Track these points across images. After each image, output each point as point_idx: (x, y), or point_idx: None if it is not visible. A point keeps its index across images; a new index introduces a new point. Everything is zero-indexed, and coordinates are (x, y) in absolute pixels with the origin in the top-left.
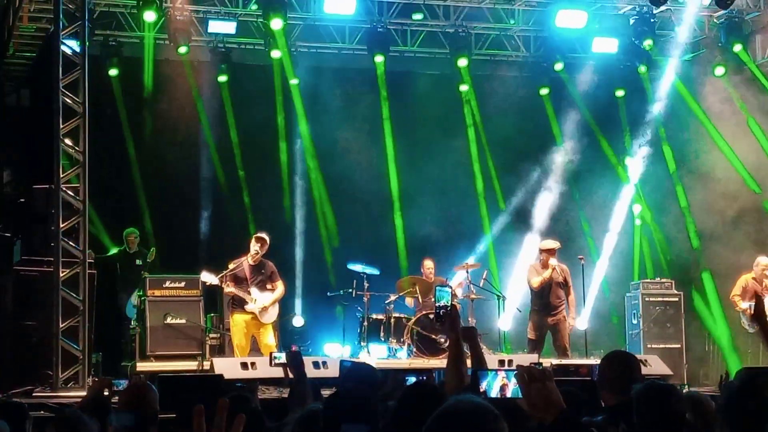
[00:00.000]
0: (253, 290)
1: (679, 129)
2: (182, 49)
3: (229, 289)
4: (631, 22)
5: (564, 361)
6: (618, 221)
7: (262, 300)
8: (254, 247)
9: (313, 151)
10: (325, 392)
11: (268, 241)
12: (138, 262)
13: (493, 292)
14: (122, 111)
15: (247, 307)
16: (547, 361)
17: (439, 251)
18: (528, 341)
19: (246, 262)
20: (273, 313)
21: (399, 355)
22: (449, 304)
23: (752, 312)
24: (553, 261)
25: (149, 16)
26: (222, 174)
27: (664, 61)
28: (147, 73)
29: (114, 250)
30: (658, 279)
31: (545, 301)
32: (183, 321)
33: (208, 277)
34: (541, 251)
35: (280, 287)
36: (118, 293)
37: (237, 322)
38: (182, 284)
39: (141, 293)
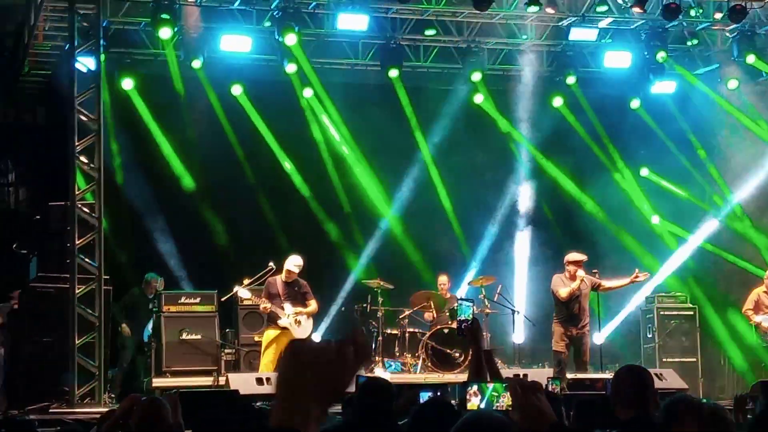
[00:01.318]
0: (287, 305)
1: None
2: (196, 64)
3: (265, 305)
4: (642, 35)
5: (580, 375)
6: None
7: (294, 314)
8: (292, 270)
9: (331, 164)
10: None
11: (302, 266)
12: (152, 306)
13: (507, 307)
14: (139, 125)
15: (280, 322)
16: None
17: (455, 266)
18: (553, 353)
19: (279, 279)
20: (306, 329)
21: (414, 370)
22: (471, 318)
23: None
24: (580, 272)
25: (164, 33)
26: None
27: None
28: (176, 82)
29: (135, 290)
30: (673, 292)
31: (571, 312)
32: (198, 336)
33: (243, 293)
34: (569, 263)
35: (313, 304)
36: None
37: (268, 337)
38: (197, 300)
39: (156, 309)
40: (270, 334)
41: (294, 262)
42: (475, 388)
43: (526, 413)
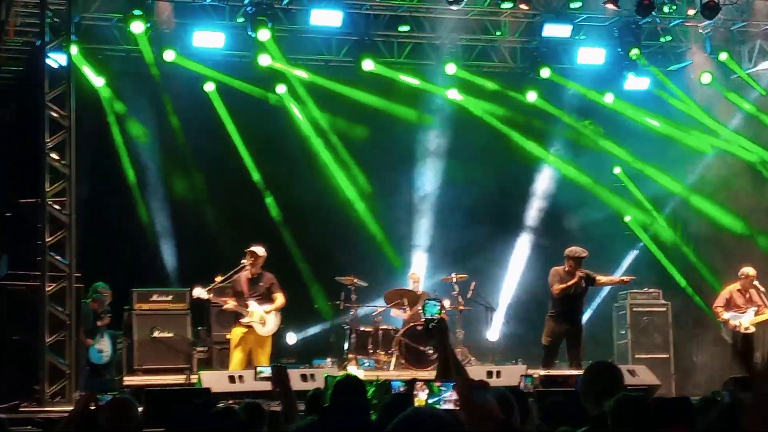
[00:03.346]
0: (252, 303)
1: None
2: (169, 56)
3: (228, 305)
4: (616, 32)
5: (552, 372)
6: None
7: (260, 312)
8: (248, 260)
9: (300, 162)
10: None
11: (259, 254)
12: (101, 324)
13: (481, 304)
14: (111, 123)
15: (243, 321)
16: (535, 372)
17: (428, 263)
18: (542, 347)
19: (244, 276)
20: (271, 326)
21: (387, 367)
22: (438, 317)
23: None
24: (579, 272)
25: (137, 27)
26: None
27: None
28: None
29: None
30: (646, 289)
31: (564, 309)
32: (170, 334)
33: (201, 293)
34: (568, 258)
35: (280, 298)
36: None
37: (235, 335)
38: (169, 297)
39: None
40: (237, 331)
41: (247, 258)
42: (421, 382)
43: (473, 413)
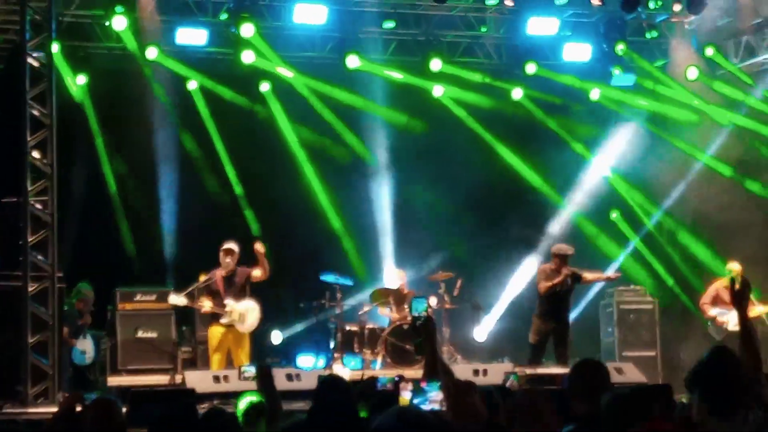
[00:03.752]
0: (229, 301)
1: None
2: (152, 53)
3: (205, 308)
4: (601, 28)
5: (539, 370)
6: None
7: (239, 309)
8: (224, 259)
9: (285, 160)
10: (299, 404)
11: (237, 250)
12: (81, 323)
13: (467, 302)
14: (92, 122)
15: (223, 321)
16: (522, 370)
17: (413, 261)
18: (529, 345)
19: (219, 275)
20: (251, 322)
21: (373, 366)
22: (425, 315)
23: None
24: (565, 269)
25: (119, 22)
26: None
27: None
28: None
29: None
30: (632, 286)
31: (551, 307)
32: (154, 335)
33: (176, 300)
34: (555, 255)
35: (257, 271)
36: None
37: (213, 334)
38: (153, 297)
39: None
40: (215, 331)
41: (225, 256)
42: (406, 381)
43: (459, 413)
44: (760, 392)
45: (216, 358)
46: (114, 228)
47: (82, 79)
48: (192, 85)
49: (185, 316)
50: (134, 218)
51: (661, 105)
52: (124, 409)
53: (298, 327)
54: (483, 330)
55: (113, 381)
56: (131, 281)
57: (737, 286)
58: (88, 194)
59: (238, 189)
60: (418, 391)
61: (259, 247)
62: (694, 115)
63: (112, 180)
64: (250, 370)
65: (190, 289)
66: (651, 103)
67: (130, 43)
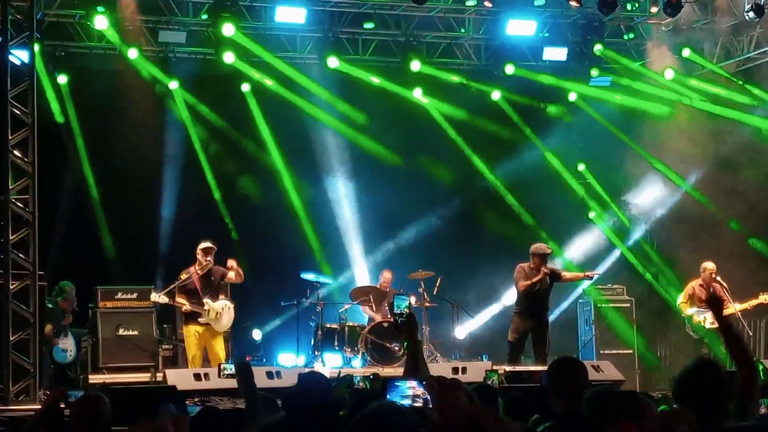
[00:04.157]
0: (207, 302)
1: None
2: (133, 53)
3: (186, 307)
4: (579, 29)
5: (517, 368)
6: None
7: (217, 308)
8: (204, 258)
9: (267, 159)
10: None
11: (215, 249)
12: (65, 323)
13: (446, 300)
14: (72, 121)
15: (201, 320)
16: (500, 368)
17: (396, 261)
18: (508, 343)
19: (195, 274)
20: (227, 321)
21: (353, 364)
22: (407, 312)
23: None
24: (544, 268)
25: (100, 22)
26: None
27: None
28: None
29: (49, 305)
30: (610, 285)
31: (529, 305)
32: (135, 332)
33: (158, 298)
34: (534, 255)
35: (232, 274)
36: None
37: (190, 333)
38: (134, 296)
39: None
40: (192, 330)
41: (205, 255)
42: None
43: (444, 411)
44: (748, 404)
45: (193, 357)
46: (96, 227)
47: (62, 78)
48: (173, 85)
49: (166, 314)
50: (116, 217)
51: (636, 101)
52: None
53: (279, 325)
54: (465, 329)
55: (94, 379)
56: (113, 280)
57: (710, 295)
58: (70, 193)
59: (216, 192)
60: (391, 387)
61: (233, 263)
62: (669, 109)
63: (92, 179)
64: (231, 368)
65: (171, 287)
66: (627, 99)
67: (114, 39)
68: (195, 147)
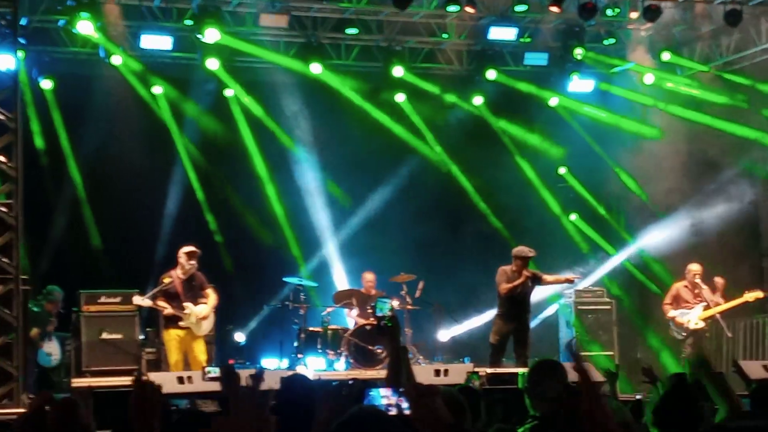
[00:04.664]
0: (188, 305)
1: None
2: (117, 60)
3: (168, 311)
4: (560, 35)
5: (498, 370)
6: None
7: (197, 312)
8: (188, 262)
9: (248, 163)
10: None
11: (199, 253)
12: (51, 318)
13: (428, 303)
14: (58, 126)
15: (182, 323)
16: (482, 370)
17: (379, 264)
18: (490, 345)
19: (177, 278)
20: (207, 326)
21: (336, 367)
22: (390, 316)
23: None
24: (526, 271)
25: (84, 27)
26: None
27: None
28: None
29: (35, 309)
30: (591, 287)
31: (511, 308)
32: (119, 336)
33: (141, 301)
34: (516, 258)
35: (212, 295)
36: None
37: (171, 337)
38: (118, 299)
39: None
40: (173, 334)
41: (189, 259)
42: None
43: (422, 418)
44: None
45: (176, 361)
46: (84, 231)
47: (47, 83)
48: (157, 89)
49: (149, 317)
50: (100, 221)
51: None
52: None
53: (262, 328)
54: (447, 332)
55: (77, 382)
56: (99, 284)
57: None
58: (56, 197)
59: (200, 193)
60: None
61: (210, 292)
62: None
63: (80, 183)
64: (215, 371)
65: (154, 291)
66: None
67: (102, 42)
68: (179, 151)
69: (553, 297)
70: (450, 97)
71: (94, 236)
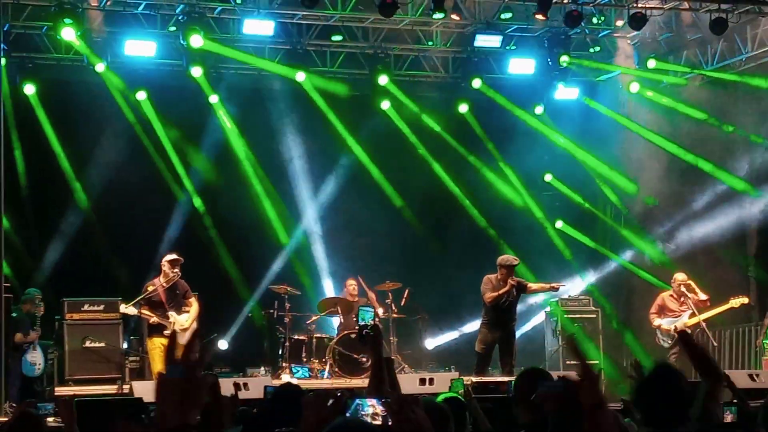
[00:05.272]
0: (172, 314)
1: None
2: (100, 67)
3: (154, 319)
4: (546, 43)
5: (484, 379)
6: None
7: (181, 321)
8: (172, 270)
9: (233, 172)
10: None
11: (182, 261)
12: (35, 325)
13: (415, 311)
14: (44, 130)
15: (166, 332)
16: (468, 379)
17: (363, 271)
18: (475, 354)
19: (161, 286)
20: (188, 337)
21: (321, 376)
22: (372, 324)
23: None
24: (510, 279)
25: (67, 33)
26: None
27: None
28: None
29: (14, 314)
30: (577, 295)
31: (497, 316)
32: (102, 344)
33: (127, 310)
34: (501, 267)
35: (195, 304)
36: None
37: (155, 345)
38: (101, 307)
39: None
40: (158, 341)
41: (172, 267)
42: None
43: (403, 429)
44: (713, 409)
45: (158, 369)
46: (67, 238)
47: (30, 89)
48: (140, 95)
49: (138, 325)
50: (87, 228)
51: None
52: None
53: (247, 336)
54: (433, 341)
55: (60, 391)
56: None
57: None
58: (39, 202)
59: (185, 203)
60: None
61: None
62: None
63: (69, 188)
64: None
65: (138, 299)
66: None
67: (83, 50)
68: (164, 156)
69: (540, 305)
70: (436, 104)
71: (82, 244)
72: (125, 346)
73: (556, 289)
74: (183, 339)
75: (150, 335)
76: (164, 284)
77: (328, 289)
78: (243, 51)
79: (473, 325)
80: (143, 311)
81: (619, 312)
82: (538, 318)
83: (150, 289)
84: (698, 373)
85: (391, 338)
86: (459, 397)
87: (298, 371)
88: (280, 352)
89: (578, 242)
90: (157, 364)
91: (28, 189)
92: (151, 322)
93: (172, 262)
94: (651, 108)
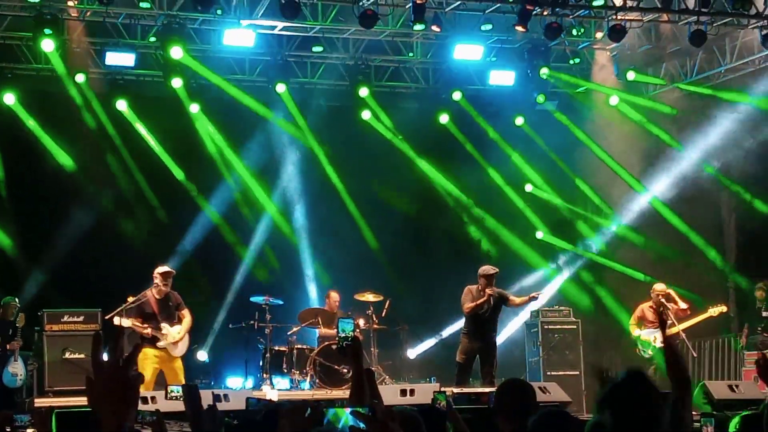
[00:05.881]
0: (164, 326)
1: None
2: (80, 78)
3: (146, 331)
4: (526, 54)
5: (465, 390)
6: None
7: (174, 334)
8: (164, 282)
9: (214, 180)
10: None
11: (173, 273)
12: (14, 334)
13: (395, 322)
14: (24, 140)
15: (160, 344)
16: (448, 389)
17: (344, 283)
18: (456, 364)
19: (152, 297)
20: (183, 347)
21: (302, 387)
22: (352, 335)
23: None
24: (489, 289)
25: (47, 45)
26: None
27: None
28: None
29: None
30: (557, 307)
31: (477, 326)
32: (82, 356)
33: (120, 321)
34: (480, 276)
35: (188, 316)
36: None
37: (147, 355)
38: (81, 318)
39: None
40: (148, 352)
41: (163, 279)
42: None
43: None
44: (683, 414)
45: (147, 382)
46: (42, 249)
47: (11, 98)
48: (121, 106)
49: (113, 337)
50: (63, 239)
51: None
52: None
53: (227, 347)
54: (414, 351)
55: (40, 402)
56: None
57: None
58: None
59: (166, 214)
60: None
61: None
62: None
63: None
64: (177, 390)
65: (118, 309)
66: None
67: (59, 66)
68: (145, 166)
69: (518, 315)
70: (416, 115)
71: (60, 254)
72: (106, 357)
73: (536, 298)
74: (176, 351)
75: (142, 345)
76: (156, 296)
77: (311, 300)
78: (220, 72)
79: (455, 334)
80: (136, 323)
81: (599, 322)
82: (518, 327)
83: (130, 299)
84: (669, 377)
85: (372, 349)
86: (440, 408)
87: (279, 382)
88: (261, 364)
89: (558, 250)
90: (146, 375)
91: (8, 199)
92: (144, 333)
93: (163, 275)
94: (622, 123)
